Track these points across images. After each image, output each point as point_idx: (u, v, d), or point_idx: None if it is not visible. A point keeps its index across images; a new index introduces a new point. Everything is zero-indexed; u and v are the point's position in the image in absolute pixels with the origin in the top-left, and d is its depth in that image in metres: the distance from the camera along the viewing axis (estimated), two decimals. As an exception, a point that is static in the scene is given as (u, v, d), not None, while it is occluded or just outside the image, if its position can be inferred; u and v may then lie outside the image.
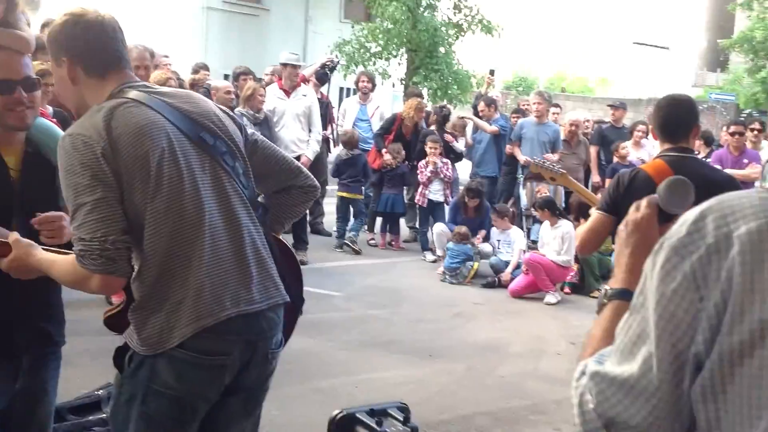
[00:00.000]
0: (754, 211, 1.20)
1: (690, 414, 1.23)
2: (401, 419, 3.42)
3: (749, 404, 1.16)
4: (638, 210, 1.60)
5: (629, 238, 1.56)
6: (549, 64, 34.30)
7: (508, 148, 10.68)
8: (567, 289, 8.74)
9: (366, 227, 10.48)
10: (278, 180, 2.58)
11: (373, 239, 10.45)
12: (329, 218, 10.46)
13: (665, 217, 1.57)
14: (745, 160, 8.57)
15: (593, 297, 8.64)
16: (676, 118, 3.57)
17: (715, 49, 40.22)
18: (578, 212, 8.28)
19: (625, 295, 1.46)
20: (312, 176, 2.68)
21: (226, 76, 14.55)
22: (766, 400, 1.15)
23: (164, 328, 2.16)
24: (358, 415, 3.43)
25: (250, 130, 2.50)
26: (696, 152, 10.02)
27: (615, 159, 10.47)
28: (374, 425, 3.31)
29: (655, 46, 43.03)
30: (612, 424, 1.28)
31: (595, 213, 3.64)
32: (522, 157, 9.88)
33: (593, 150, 10.90)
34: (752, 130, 9.21)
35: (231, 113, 2.49)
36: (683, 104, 3.70)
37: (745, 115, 24.91)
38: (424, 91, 16.45)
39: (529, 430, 4.93)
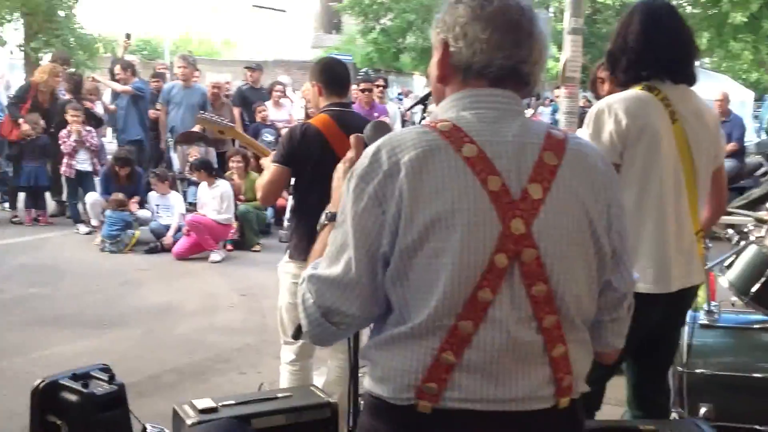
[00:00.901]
0: (414, 143, 1.57)
1: (386, 299, 1.62)
2: (106, 379, 3.49)
3: (423, 286, 1.55)
4: (352, 150, 1.92)
5: (346, 172, 1.87)
6: (173, 27, 33.87)
7: (152, 113, 10.60)
8: (230, 246, 9.03)
9: (8, 204, 9.78)
10: None
11: (17, 216, 9.80)
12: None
13: None
14: (376, 114, 9.48)
15: (255, 251, 9.07)
16: (341, 75, 3.97)
17: (329, 12, 42.73)
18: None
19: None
20: None
21: None
22: (434, 281, 1.54)
23: None
24: (61, 381, 3.43)
25: None
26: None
27: (257, 119, 10.92)
28: (80, 388, 3.35)
29: (273, 9, 44.43)
30: (329, 311, 1.62)
31: (271, 165, 3.89)
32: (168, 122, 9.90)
33: (236, 111, 11.23)
34: (378, 86, 10.20)
35: None
36: (344, 64, 4.11)
37: (362, 73, 26.93)
38: (47, 58, 15.44)
39: (217, 378, 5.17)
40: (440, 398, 1.57)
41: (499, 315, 1.56)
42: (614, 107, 2.85)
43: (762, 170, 8.23)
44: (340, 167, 1.93)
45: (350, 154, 1.92)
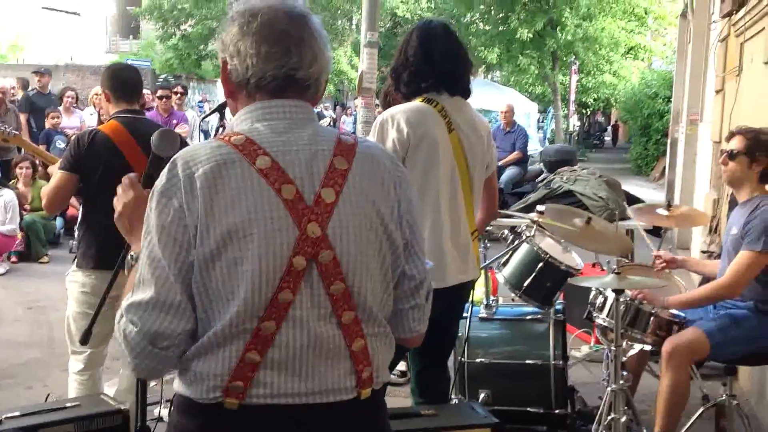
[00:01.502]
0: (207, 157, 1.62)
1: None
2: None
3: (226, 293, 1.61)
4: (123, 195, 1.90)
5: (123, 219, 1.89)
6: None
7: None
8: (14, 258, 8.54)
9: None
10: None
11: None
12: None
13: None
14: (174, 121, 9.33)
15: (42, 262, 8.64)
16: (130, 81, 3.91)
17: (127, 16, 41.26)
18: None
19: None
20: None
21: None
22: (235, 288, 1.59)
23: None
24: None
25: None
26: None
27: (47, 125, 10.41)
28: None
29: (66, 12, 42.30)
30: (156, 336, 1.61)
31: (58, 173, 3.77)
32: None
33: (23, 117, 10.64)
34: (176, 93, 10.01)
35: None
36: (134, 70, 4.07)
37: (161, 79, 26.29)
38: None
39: (2, 393, 4.93)
40: (246, 395, 1.62)
41: (299, 314, 1.63)
42: (396, 117, 3.07)
43: (542, 177, 8.90)
44: (116, 217, 1.91)
45: (118, 202, 1.90)
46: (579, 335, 5.78)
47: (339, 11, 29.22)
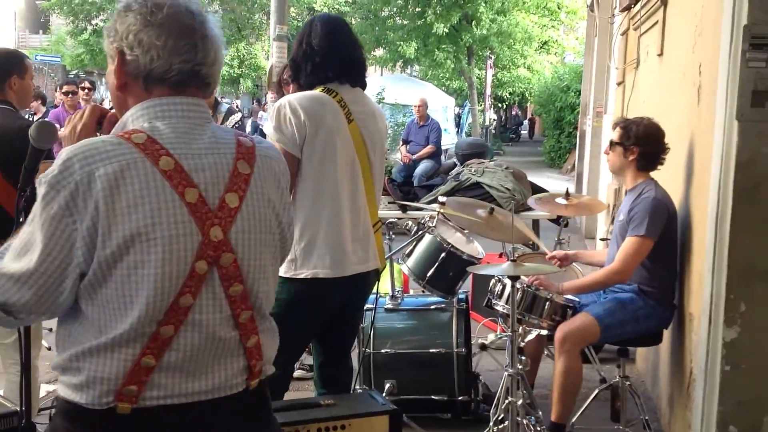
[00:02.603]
0: (109, 155, 1.57)
1: (78, 308, 1.63)
2: None
3: (124, 297, 1.59)
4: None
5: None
6: None
7: None
8: None
9: None
10: None
11: None
12: None
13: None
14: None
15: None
16: None
17: (35, 10, 39.99)
18: None
19: None
20: None
21: None
22: (135, 292, 1.58)
23: None
24: None
25: None
26: (33, 112, 10.24)
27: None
28: None
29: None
30: (5, 304, 1.60)
31: None
32: None
33: None
34: (83, 89, 9.80)
35: None
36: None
37: (72, 75, 25.63)
38: None
39: None
40: (139, 399, 1.61)
41: (199, 317, 1.64)
42: (294, 104, 3.08)
43: (455, 171, 9.04)
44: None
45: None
46: (486, 324, 5.91)
47: (256, 5, 28.96)
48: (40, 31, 42.43)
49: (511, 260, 3.65)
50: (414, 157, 10.96)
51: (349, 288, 3.20)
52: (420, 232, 4.39)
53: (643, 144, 3.93)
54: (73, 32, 29.39)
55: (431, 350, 4.27)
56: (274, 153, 1.83)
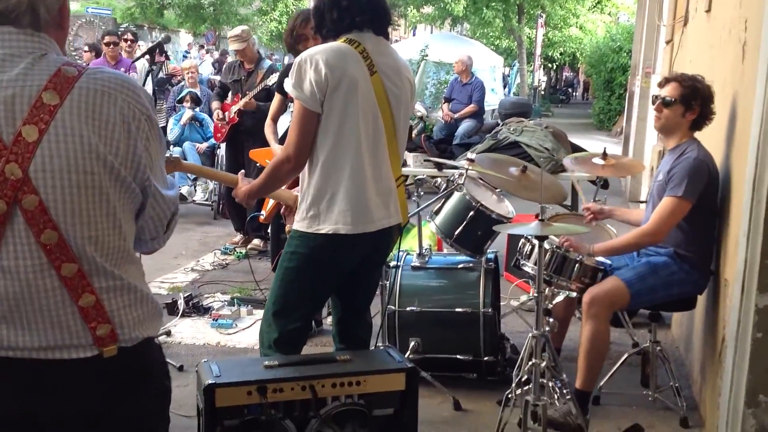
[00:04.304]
0: None
1: None
2: None
3: None
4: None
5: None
6: None
7: None
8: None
9: None
10: None
11: None
12: None
13: None
14: (122, 69, 9.16)
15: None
16: None
17: (89, -36, 40.15)
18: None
19: None
20: None
21: None
22: None
23: None
24: None
25: None
26: (86, 63, 10.33)
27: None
28: None
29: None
30: None
31: None
32: None
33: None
34: (126, 40, 9.82)
35: None
36: None
37: (123, 28, 25.78)
38: None
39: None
40: None
41: (7, 264, 1.53)
42: (315, 58, 2.99)
43: (494, 130, 8.87)
44: None
45: None
46: (519, 285, 5.83)
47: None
48: (93, -16, 42.70)
49: (540, 219, 3.55)
50: (456, 115, 10.77)
51: (371, 243, 3.14)
52: (448, 190, 4.30)
53: (705, 104, 3.77)
54: (124, -15, 29.52)
55: (457, 309, 4.20)
56: (112, 85, 1.61)
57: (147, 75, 10.03)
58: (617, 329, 4.69)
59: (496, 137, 6.79)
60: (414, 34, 34.62)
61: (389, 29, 3.26)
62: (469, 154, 4.59)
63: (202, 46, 26.57)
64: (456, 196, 4.28)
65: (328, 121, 3.01)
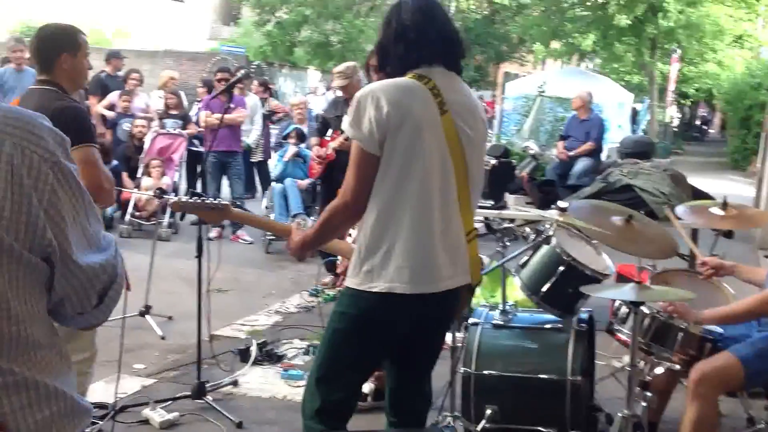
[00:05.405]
0: None
1: None
2: None
3: None
4: None
5: None
6: (60, 17, 32.55)
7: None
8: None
9: None
10: None
11: None
12: None
13: None
14: (232, 105, 9.16)
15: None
16: (34, 48, 3.43)
17: (229, 3, 41.87)
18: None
19: None
20: None
21: None
22: None
23: None
24: None
25: None
26: (199, 98, 10.47)
27: (120, 109, 10.46)
28: None
29: (171, -1, 43.40)
30: None
31: None
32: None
33: (94, 99, 10.70)
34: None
35: None
36: (47, 33, 3.46)
37: (254, 67, 26.54)
38: None
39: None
40: None
41: None
42: (376, 93, 2.65)
43: (606, 171, 8.29)
44: None
45: None
46: (624, 341, 5.25)
47: None
48: (232, 23, 44.43)
49: (635, 282, 3.06)
50: (571, 153, 10.21)
51: (431, 305, 2.75)
52: (536, 241, 3.85)
53: None
54: (257, 24, 30.44)
55: (541, 376, 3.72)
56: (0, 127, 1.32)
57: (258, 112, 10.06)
58: (729, 398, 4.06)
59: (606, 180, 6.28)
60: (543, 69, 34.05)
61: (460, 63, 2.89)
62: (560, 202, 4.12)
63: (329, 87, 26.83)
64: (545, 247, 3.83)
65: (388, 165, 2.66)
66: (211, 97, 9.12)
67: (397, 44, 2.78)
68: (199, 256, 4.31)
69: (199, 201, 3.36)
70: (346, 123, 2.72)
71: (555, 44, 26.31)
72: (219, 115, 8.87)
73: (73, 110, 3.23)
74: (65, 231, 1.36)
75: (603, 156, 11.39)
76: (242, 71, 7.19)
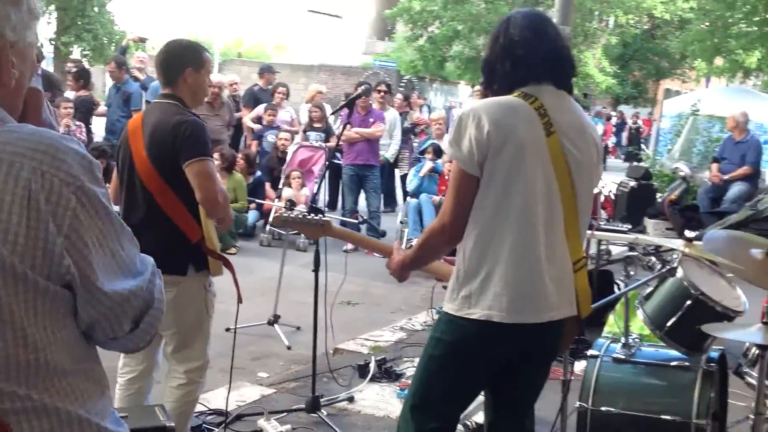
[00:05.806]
0: None
1: None
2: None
3: None
4: None
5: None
6: (225, 31, 34.09)
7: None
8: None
9: None
10: None
11: None
12: None
13: None
14: (371, 119, 9.28)
15: (229, 253, 8.90)
16: (159, 61, 3.48)
17: (384, 19, 42.65)
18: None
19: None
20: None
21: None
22: None
23: None
24: None
25: None
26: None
27: (265, 122, 10.81)
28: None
29: (329, 15, 44.64)
30: None
31: None
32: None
33: (245, 111, 11.11)
34: (379, 92, 9.97)
35: None
36: (171, 47, 3.52)
37: (405, 81, 26.87)
38: (77, 52, 15.58)
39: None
40: None
41: None
42: (478, 112, 2.57)
43: (756, 198, 7.71)
44: None
45: None
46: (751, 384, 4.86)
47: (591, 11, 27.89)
48: (386, 39, 45.16)
49: (763, 322, 2.81)
50: (725, 177, 9.62)
51: (532, 337, 2.63)
52: (662, 272, 3.62)
53: None
54: (409, 39, 30.74)
55: (663, 417, 3.49)
56: (18, 150, 1.29)
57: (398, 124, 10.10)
58: None
59: (756, 207, 5.86)
60: (707, 87, 32.47)
61: (571, 82, 2.75)
62: (688, 232, 3.85)
63: (476, 101, 26.81)
64: (671, 279, 3.60)
65: (488, 187, 2.56)
66: (333, 111, 9.26)
67: (504, 61, 2.68)
68: (316, 270, 4.35)
69: (300, 216, 3.38)
70: (446, 141, 2.65)
71: (719, 61, 25.00)
72: (358, 129, 9.03)
73: (192, 124, 3.31)
74: (88, 257, 1.34)
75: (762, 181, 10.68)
76: (363, 87, 7.24)
